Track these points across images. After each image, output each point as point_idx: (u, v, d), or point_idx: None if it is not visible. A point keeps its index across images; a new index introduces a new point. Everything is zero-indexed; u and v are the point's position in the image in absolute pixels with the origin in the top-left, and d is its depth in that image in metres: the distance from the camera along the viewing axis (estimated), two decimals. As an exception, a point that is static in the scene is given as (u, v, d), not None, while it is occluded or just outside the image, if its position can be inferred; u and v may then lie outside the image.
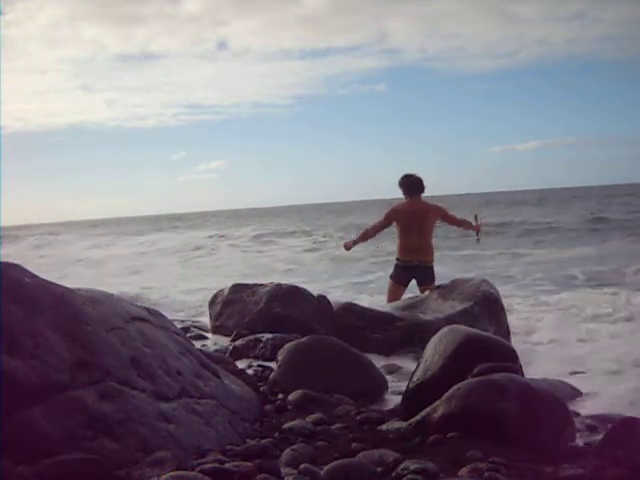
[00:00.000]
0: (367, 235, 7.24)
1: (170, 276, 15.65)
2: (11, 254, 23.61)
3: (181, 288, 12.42)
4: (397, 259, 7.14)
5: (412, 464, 2.70)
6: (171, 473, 2.40)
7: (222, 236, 31.35)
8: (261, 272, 16.87)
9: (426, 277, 6.99)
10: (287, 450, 2.89)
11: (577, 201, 47.21)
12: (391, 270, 7.24)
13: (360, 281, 13.31)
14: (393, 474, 2.68)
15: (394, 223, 7.10)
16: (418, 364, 3.85)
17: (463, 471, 2.69)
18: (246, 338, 5.30)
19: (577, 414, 3.46)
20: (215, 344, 5.56)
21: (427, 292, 6.65)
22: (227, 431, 3.16)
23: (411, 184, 7.11)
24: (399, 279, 7.09)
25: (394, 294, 6.96)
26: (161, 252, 24.91)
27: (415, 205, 7.10)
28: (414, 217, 7.03)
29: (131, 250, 27.01)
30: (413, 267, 7.01)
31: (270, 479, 2.55)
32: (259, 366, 4.72)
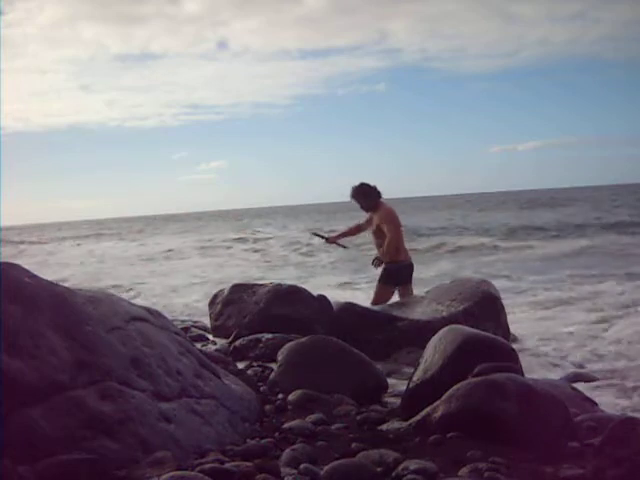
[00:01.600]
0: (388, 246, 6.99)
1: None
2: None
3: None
4: (391, 262, 6.95)
5: (412, 464, 2.71)
6: (171, 473, 2.40)
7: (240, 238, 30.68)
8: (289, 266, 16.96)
9: (410, 275, 7.03)
10: (287, 450, 2.89)
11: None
12: (379, 274, 7.05)
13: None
14: (393, 474, 2.68)
15: (385, 227, 7.00)
16: (418, 364, 3.85)
17: (463, 471, 2.70)
18: (246, 338, 5.31)
19: (577, 414, 3.45)
20: (215, 344, 5.56)
21: (411, 291, 6.81)
22: (227, 431, 3.16)
23: (375, 189, 7.11)
24: (394, 281, 6.99)
25: (385, 298, 6.86)
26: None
27: (391, 207, 7.15)
28: (398, 218, 7.12)
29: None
30: (406, 266, 7.01)
31: (270, 479, 2.55)
32: (259, 366, 4.72)
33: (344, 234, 7.57)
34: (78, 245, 34.35)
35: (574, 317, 8.10)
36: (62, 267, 19.51)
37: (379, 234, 7.01)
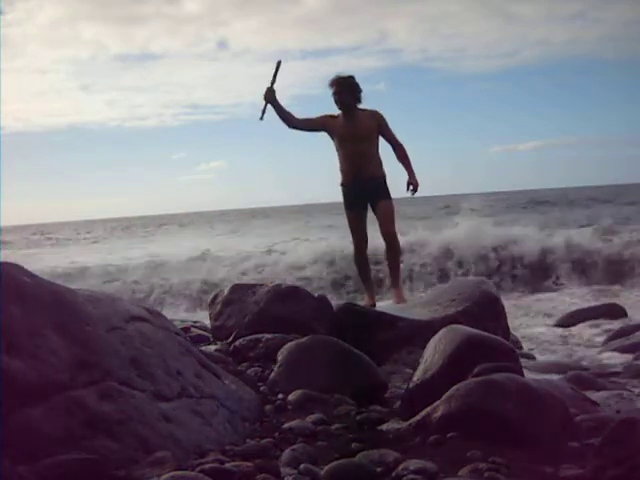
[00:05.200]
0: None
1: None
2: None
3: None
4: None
5: (412, 464, 2.71)
6: (171, 473, 2.40)
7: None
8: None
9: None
10: (287, 450, 2.89)
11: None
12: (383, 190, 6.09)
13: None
14: (393, 474, 2.68)
15: (388, 132, 6.05)
16: (418, 364, 3.85)
17: (463, 471, 2.70)
18: (246, 338, 5.30)
19: (577, 414, 3.45)
20: (215, 344, 5.56)
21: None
22: (227, 431, 3.16)
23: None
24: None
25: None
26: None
27: None
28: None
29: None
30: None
31: (270, 479, 2.55)
32: (259, 366, 4.72)
33: (290, 114, 5.82)
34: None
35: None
36: None
37: (362, 143, 5.86)
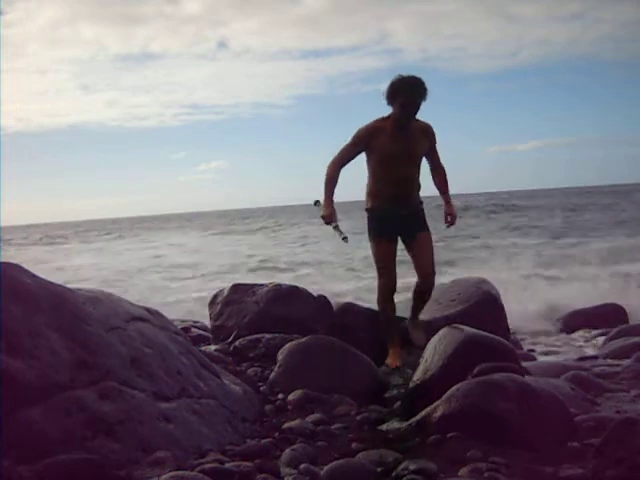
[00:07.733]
0: None
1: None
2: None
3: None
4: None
5: (412, 464, 2.71)
6: (171, 473, 2.41)
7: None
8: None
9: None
10: (287, 450, 2.89)
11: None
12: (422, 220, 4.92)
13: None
14: (393, 474, 2.68)
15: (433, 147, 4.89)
16: (418, 364, 3.85)
17: (463, 471, 2.70)
18: (246, 338, 5.30)
19: (577, 414, 3.45)
20: (215, 344, 5.56)
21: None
22: (227, 431, 3.16)
23: None
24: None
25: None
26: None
27: None
28: None
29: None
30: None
31: (270, 479, 2.55)
32: (259, 366, 4.72)
33: (332, 192, 4.70)
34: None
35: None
36: None
37: (411, 163, 4.71)
